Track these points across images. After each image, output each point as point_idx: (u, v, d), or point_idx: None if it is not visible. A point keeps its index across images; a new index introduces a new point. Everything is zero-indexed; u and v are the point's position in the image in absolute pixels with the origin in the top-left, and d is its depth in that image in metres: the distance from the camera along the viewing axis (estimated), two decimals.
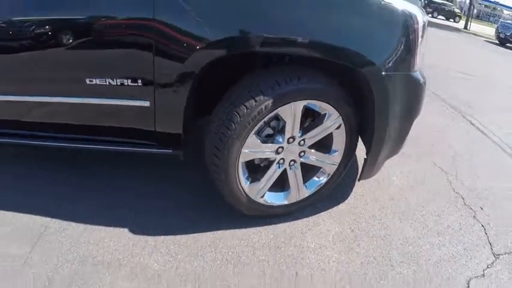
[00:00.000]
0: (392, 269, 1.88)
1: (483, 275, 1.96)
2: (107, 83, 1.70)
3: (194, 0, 1.59)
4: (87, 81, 1.72)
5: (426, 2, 26.10)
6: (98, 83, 1.71)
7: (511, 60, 11.96)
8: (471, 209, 2.50)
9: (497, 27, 18.09)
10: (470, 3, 25.26)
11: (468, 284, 1.88)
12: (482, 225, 2.36)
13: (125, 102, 1.76)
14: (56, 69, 1.79)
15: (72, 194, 2.18)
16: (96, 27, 1.68)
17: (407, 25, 1.71)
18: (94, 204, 2.10)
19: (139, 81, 1.69)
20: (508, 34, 16.75)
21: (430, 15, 24.21)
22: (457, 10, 32.34)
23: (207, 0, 1.61)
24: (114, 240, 1.87)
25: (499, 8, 57.30)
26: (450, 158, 3.17)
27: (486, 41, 17.96)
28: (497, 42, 17.51)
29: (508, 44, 16.96)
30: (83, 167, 2.44)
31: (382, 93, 1.74)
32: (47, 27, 1.68)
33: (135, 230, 1.94)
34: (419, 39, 1.78)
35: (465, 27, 22.43)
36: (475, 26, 25.39)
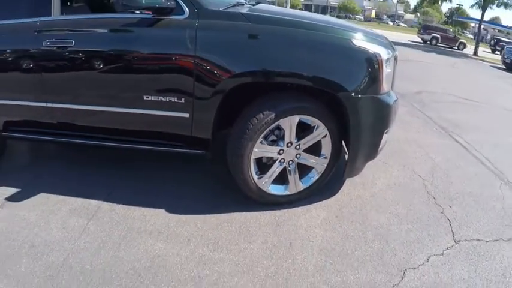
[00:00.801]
0: (365, 244, 2.45)
1: (442, 254, 2.45)
2: (159, 100, 2.41)
3: (219, 47, 2.33)
4: (144, 98, 2.43)
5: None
6: (152, 99, 2.41)
7: None
8: (440, 206, 3.03)
9: (503, 52, 18.52)
10: (479, 29, 25.89)
11: (428, 259, 2.38)
12: (448, 219, 2.86)
13: (170, 113, 2.46)
14: (125, 90, 2.55)
15: (118, 183, 2.89)
16: (154, 60, 2.43)
17: (372, 61, 2.36)
18: (137, 192, 2.80)
19: (183, 99, 2.40)
20: None
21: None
22: None
23: (228, 46, 2.35)
24: (154, 217, 2.53)
25: None
26: (429, 168, 3.72)
27: (492, 66, 18.31)
28: (504, 67, 17.88)
29: None
30: (127, 163, 3.18)
31: (354, 111, 2.39)
32: (119, 58, 2.45)
33: (170, 210, 2.60)
34: (384, 71, 2.41)
35: (474, 53, 22.89)
36: (484, 52, 25.81)
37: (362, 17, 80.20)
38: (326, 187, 2.89)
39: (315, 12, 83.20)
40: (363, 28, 2.84)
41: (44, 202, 2.65)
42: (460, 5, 75.37)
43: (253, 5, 3.13)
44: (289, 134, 2.49)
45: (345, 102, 2.36)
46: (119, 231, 2.38)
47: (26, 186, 2.83)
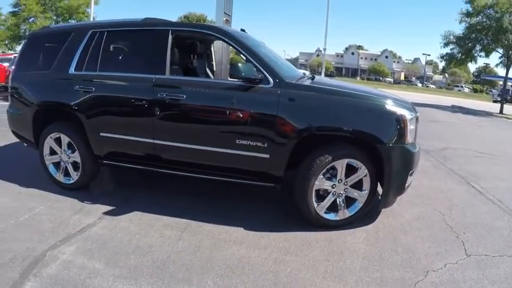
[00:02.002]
0: (397, 254, 3.30)
1: (456, 263, 3.23)
2: (248, 143, 3.45)
3: (294, 109, 3.38)
4: (237, 141, 3.47)
5: None
6: (243, 143, 3.45)
7: None
8: (456, 232, 3.82)
9: None
10: (504, 87, 26.52)
11: (445, 265, 3.16)
12: (461, 241, 3.64)
13: (255, 154, 3.49)
14: (224, 135, 3.58)
15: (203, 209, 3.92)
16: (247, 114, 3.46)
17: (399, 121, 3.38)
18: (219, 214, 3.81)
19: (266, 144, 3.43)
20: None
21: None
22: None
23: (301, 109, 3.39)
24: (235, 232, 3.50)
25: None
26: (448, 206, 4.54)
27: None
28: None
29: None
30: (204, 194, 4.24)
31: (387, 156, 3.35)
32: (220, 111, 3.53)
33: (247, 228, 3.58)
34: (408, 127, 3.40)
35: (500, 112, 23.08)
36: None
37: (392, 79, 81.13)
38: (365, 216, 3.79)
39: (345, 74, 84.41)
40: (392, 95, 3.87)
41: (139, 218, 3.65)
42: (486, 64, 76.35)
43: (313, 78, 4.24)
44: (341, 172, 3.46)
45: (380, 149, 3.33)
46: (209, 240, 3.33)
47: (118, 206, 3.85)
